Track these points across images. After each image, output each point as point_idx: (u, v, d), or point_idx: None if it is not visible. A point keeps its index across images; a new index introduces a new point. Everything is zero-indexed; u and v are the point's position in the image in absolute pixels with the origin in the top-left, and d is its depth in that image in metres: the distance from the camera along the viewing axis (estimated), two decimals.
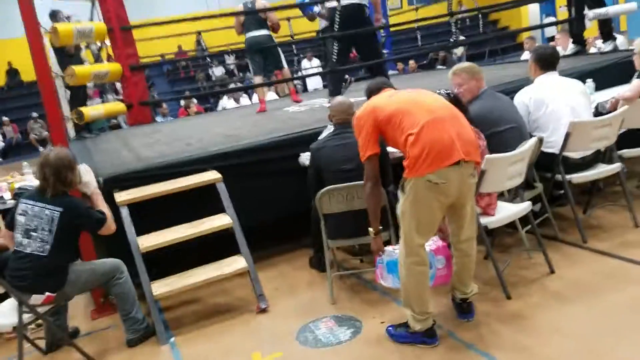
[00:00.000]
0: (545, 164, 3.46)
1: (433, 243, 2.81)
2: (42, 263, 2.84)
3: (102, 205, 3.10)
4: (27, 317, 2.85)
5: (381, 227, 2.86)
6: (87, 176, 3.13)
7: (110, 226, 3.03)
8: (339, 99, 3.56)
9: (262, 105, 6.40)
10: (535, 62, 3.66)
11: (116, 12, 3.51)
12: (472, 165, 2.51)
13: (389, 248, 2.88)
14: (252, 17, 6.11)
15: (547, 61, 3.62)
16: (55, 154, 2.93)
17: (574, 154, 3.51)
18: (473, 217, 2.68)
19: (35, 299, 2.83)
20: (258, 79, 6.39)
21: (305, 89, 11.70)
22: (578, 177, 3.52)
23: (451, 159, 2.40)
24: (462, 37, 13.19)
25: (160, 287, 3.18)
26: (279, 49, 6.36)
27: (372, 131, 2.61)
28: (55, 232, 2.86)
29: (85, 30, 3.36)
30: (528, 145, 3.04)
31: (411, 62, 10.89)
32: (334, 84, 5.43)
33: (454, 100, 2.89)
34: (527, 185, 3.33)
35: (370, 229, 2.81)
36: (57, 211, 2.87)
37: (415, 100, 2.58)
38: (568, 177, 3.48)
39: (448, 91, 3.01)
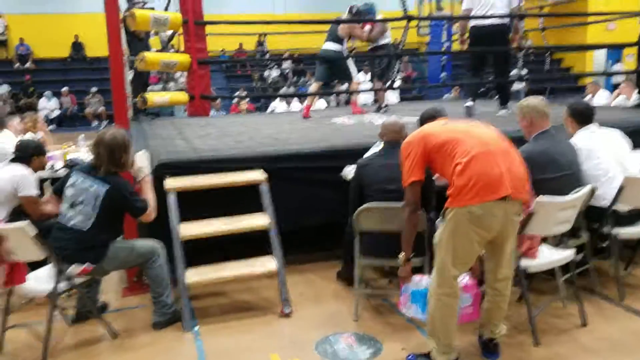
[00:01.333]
0: (591, 215, 3.39)
1: (461, 280, 2.79)
2: (83, 237, 2.94)
3: (149, 193, 3.17)
4: (61, 285, 2.94)
5: (414, 254, 2.83)
6: (143, 162, 3.22)
7: (150, 215, 3.10)
8: (392, 118, 3.58)
9: (306, 111, 6.56)
10: (571, 117, 3.63)
11: (193, 6, 3.63)
12: (519, 204, 2.48)
13: (416, 277, 2.85)
14: (329, 30, 6.35)
15: (582, 115, 3.59)
16: (111, 133, 3.02)
17: (621, 207, 3.43)
18: (512, 257, 2.64)
19: (74, 268, 2.94)
20: (314, 86, 6.58)
21: (347, 102, 11.72)
22: (625, 233, 3.43)
23: (498, 193, 2.37)
24: (523, 71, 13.02)
25: (193, 276, 3.26)
26: (349, 62, 6.45)
27: (420, 158, 2.61)
28: (98, 208, 2.94)
29: (161, 18, 3.49)
30: (581, 193, 2.98)
31: (455, 89, 10.78)
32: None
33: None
34: (573, 233, 3.26)
35: (401, 255, 2.80)
36: (103, 189, 2.95)
37: (468, 131, 2.58)
38: (615, 230, 3.40)
39: None
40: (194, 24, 3.66)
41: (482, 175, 2.39)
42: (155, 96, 3.65)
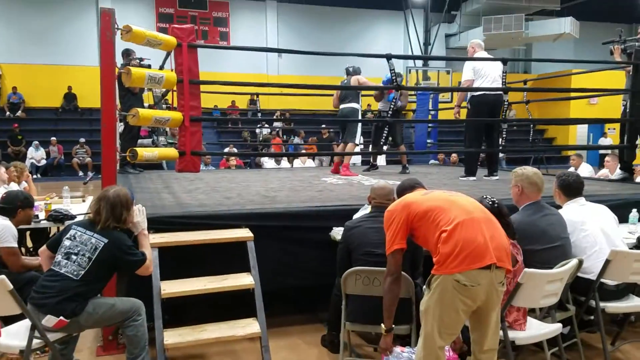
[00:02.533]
0: (578, 288, 3.37)
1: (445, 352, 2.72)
2: (71, 285, 2.87)
3: (146, 247, 3.15)
4: (35, 342, 2.82)
5: (394, 325, 2.77)
6: (140, 217, 3.20)
7: (148, 268, 3.06)
8: (381, 182, 3.61)
9: (344, 169, 6.86)
10: (559, 189, 3.68)
11: (189, 65, 3.69)
12: (504, 273, 2.46)
13: (396, 349, 2.79)
14: (345, 91, 6.74)
15: (571, 188, 3.64)
16: (115, 191, 3.05)
17: (609, 281, 3.42)
18: (498, 327, 2.59)
19: (48, 320, 2.83)
20: (339, 147, 7.02)
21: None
22: (612, 307, 3.41)
23: (483, 261, 2.36)
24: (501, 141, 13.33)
25: (172, 337, 3.15)
26: (358, 125, 6.74)
27: (403, 226, 2.61)
28: (94, 260, 2.90)
29: (157, 77, 3.54)
30: (568, 266, 2.98)
31: (453, 155, 11.07)
32: (470, 163, 6.23)
33: (497, 210, 2.89)
34: (560, 305, 3.24)
35: (382, 325, 2.75)
36: (102, 242, 2.94)
37: (451, 200, 2.59)
38: (602, 304, 3.37)
39: (494, 199, 3.01)
40: (189, 83, 3.71)
41: (467, 243, 2.38)
42: (145, 151, 3.64)
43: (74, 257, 2.91)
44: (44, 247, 3.10)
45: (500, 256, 2.41)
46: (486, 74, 5.77)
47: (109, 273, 3.05)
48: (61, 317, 2.85)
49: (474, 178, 6.06)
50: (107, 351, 3.55)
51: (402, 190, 3.02)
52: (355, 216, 3.73)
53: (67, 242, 2.97)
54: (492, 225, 2.51)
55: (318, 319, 3.96)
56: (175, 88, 3.87)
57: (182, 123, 3.64)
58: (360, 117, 6.86)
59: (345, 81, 6.84)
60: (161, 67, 4.85)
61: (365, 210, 3.75)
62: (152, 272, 3.25)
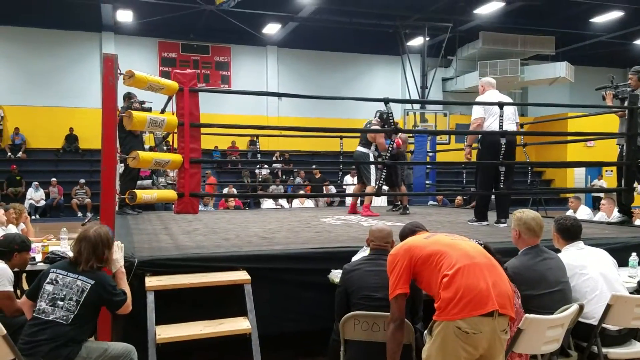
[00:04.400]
0: (580, 333, 3.32)
1: None
2: (63, 331, 2.83)
3: (124, 285, 3.13)
4: None
5: None
6: (117, 254, 3.20)
7: (128, 307, 3.04)
8: (379, 225, 3.60)
9: (354, 208, 7.25)
10: (558, 233, 3.68)
11: (190, 109, 3.75)
12: (507, 320, 2.42)
13: None
14: (362, 136, 7.15)
15: (569, 231, 3.64)
16: (95, 230, 3.04)
17: (610, 327, 3.38)
18: None
19: None
20: (355, 187, 7.47)
21: (342, 203, 11.91)
22: (615, 353, 3.35)
23: (485, 308, 2.33)
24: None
25: None
26: (371, 167, 6.98)
27: (406, 270, 2.59)
28: (82, 303, 2.87)
29: (158, 121, 3.59)
30: (569, 311, 2.94)
31: (458, 198, 11.15)
32: (481, 207, 5.94)
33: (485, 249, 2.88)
34: (562, 351, 3.18)
35: None
36: (89, 283, 2.91)
37: (453, 244, 2.57)
38: (605, 350, 3.31)
39: (480, 241, 3.00)
40: (190, 126, 3.76)
41: (469, 289, 2.35)
42: (144, 194, 3.66)
43: (60, 302, 2.87)
44: (24, 298, 3.07)
45: (503, 303, 2.38)
46: (496, 112, 5.45)
47: (96, 313, 3.02)
48: None
49: (487, 223, 5.73)
50: None
51: (404, 234, 3.03)
52: (354, 258, 3.70)
53: (49, 287, 2.92)
54: (495, 271, 2.49)
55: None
56: (176, 130, 3.92)
57: (182, 165, 3.68)
58: (369, 161, 6.97)
59: (368, 125, 7.11)
60: (162, 111, 4.92)
61: (364, 252, 3.73)
62: (148, 316, 3.22)
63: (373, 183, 6.82)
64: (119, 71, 3.62)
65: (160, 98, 4.98)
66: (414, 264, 2.57)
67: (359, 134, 7.65)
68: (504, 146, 5.33)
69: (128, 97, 6.90)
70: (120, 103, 6.30)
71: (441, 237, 2.70)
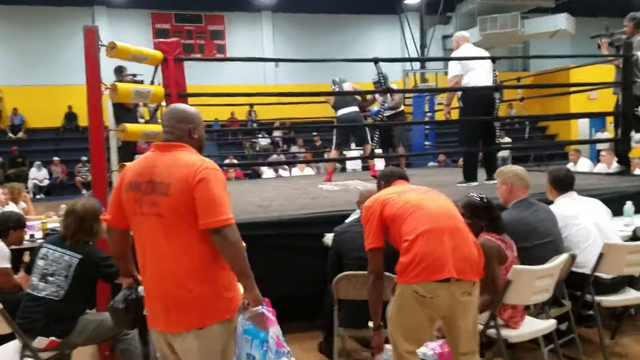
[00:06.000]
0: (574, 282, 3.35)
1: (439, 347, 2.71)
2: (55, 307, 2.86)
3: None
4: None
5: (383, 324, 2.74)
6: None
7: None
8: (368, 186, 3.60)
9: (328, 176, 6.97)
10: (550, 185, 3.68)
11: (176, 79, 3.72)
12: (469, 284, 2.38)
13: (388, 346, 2.74)
14: (343, 97, 6.72)
15: (562, 182, 3.63)
16: (82, 203, 3.04)
17: (604, 275, 3.40)
18: (474, 332, 2.52)
19: (39, 341, 2.82)
20: (334, 153, 7.07)
21: (343, 169, 11.88)
22: (609, 301, 3.39)
23: (440, 274, 2.31)
24: (507, 139, 13.28)
25: None
26: (366, 127, 6.84)
27: (377, 225, 2.57)
28: (71, 278, 2.90)
29: (143, 92, 3.57)
30: (558, 261, 2.96)
31: (441, 156, 10.99)
32: (469, 167, 5.64)
33: (487, 206, 2.87)
34: (555, 301, 3.21)
35: (370, 324, 2.73)
36: (76, 258, 2.93)
37: (419, 205, 2.50)
38: (598, 298, 3.34)
39: (482, 195, 2.99)
40: (177, 96, 3.73)
41: (425, 255, 2.34)
42: None
43: (50, 278, 2.90)
44: (23, 273, 3.12)
45: (462, 268, 2.35)
46: (474, 67, 5.36)
47: (91, 287, 3.04)
48: (52, 338, 2.85)
49: (477, 183, 5.44)
50: None
51: (382, 180, 2.96)
52: (347, 221, 3.72)
53: (40, 262, 2.95)
54: (459, 234, 2.43)
55: (315, 325, 3.94)
56: (164, 102, 3.90)
57: None
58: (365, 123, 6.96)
59: (337, 89, 6.82)
60: (151, 82, 4.88)
61: (356, 214, 3.74)
62: None
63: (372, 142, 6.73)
64: (100, 43, 3.58)
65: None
66: (384, 220, 2.56)
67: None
68: (497, 102, 5.29)
69: (119, 70, 6.83)
70: (112, 77, 6.27)
71: (412, 195, 2.60)
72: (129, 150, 6.78)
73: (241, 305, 2.19)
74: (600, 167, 7.48)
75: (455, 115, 6.21)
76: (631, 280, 3.54)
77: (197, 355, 2.05)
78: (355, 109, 6.76)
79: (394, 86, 7.24)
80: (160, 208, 2.03)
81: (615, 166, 6.27)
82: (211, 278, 2.07)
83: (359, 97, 6.94)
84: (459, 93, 5.69)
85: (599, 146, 11.63)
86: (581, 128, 19.03)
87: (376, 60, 5.04)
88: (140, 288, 2.34)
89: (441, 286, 2.32)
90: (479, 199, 2.94)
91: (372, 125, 6.73)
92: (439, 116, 10.09)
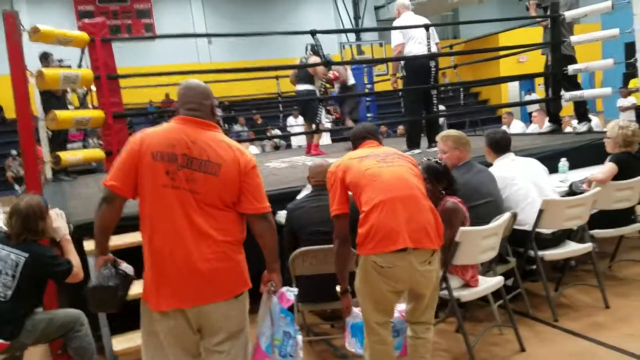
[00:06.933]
0: (516, 240, 3.49)
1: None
2: (2, 309, 2.73)
3: (71, 253, 3.00)
4: None
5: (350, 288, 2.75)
6: (58, 222, 3.05)
7: (77, 275, 2.92)
8: (317, 161, 3.59)
9: (310, 148, 6.96)
10: (489, 147, 3.78)
11: (104, 60, 3.54)
12: (427, 253, 2.40)
13: (355, 309, 2.77)
14: (301, 72, 6.58)
15: (499, 144, 3.73)
16: (26, 202, 2.89)
17: (544, 230, 3.56)
18: (432, 303, 2.57)
19: None
20: (306, 127, 6.97)
21: (289, 146, 11.83)
22: (550, 254, 3.56)
23: (395, 245, 2.33)
24: (442, 107, 13.59)
25: (121, 342, 3.06)
26: (315, 105, 6.58)
27: (341, 190, 2.57)
28: (18, 278, 2.77)
29: (71, 76, 3.38)
30: (502, 220, 3.07)
31: (400, 127, 11.20)
32: (413, 135, 5.67)
33: (446, 170, 2.92)
34: (501, 259, 3.34)
35: (337, 288, 2.75)
36: (23, 257, 2.80)
37: (377, 174, 2.48)
38: (540, 253, 3.51)
39: (438, 160, 3.04)
40: (107, 78, 3.56)
41: (380, 226, 2.36)
42: (68, 155, 3.49)
43: None
44: None
45: (419, 238, 2.36)
46: (414, 36, 5.46)
47: (39, 287, 2.91)
48: (0, 341, 2.72)
49: (419, 151, 5.53)
50: None
51: (353, 139, 2.89)
52: (298, 197, 3.71)
53: None
54: (414, 204, 2.42)
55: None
56: (93, 86, 3.72)
57: (105, 122, 3.50)
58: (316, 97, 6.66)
59: (304, 60, 6.65)
60: (79, 66, 4.64)
61: (307, 190, 3.73)
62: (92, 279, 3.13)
63: (317, 120, 6.65)
64: (22, 28, 3.35)
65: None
66: (346, 186, 2.56)
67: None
68: (433, 70, 5.36)
69: (45, 57, 6.44)
70: (38, 65, 5.91)
71: (370, 162, 2.56)
72: (59, 140, 6.48)
73: (271, 286, 2.35)
74: (533, 128, 7.79)
75: (401, 85, 6.25)
76: (570, 233, 3.72)
77: (234, 320, 2.15)
78: (304, 87, 6.61)
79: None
80: (198, 185, 2.05)
81: (547, 125, 6.56)
82: (242, 251, 2.20)
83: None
84: (402, 62, 5.75)
85: (530, 108, 12.10)
86: (511, 91, 19.74)
87: (314, 32, 4.98)
88: (125, 265, 2.28)
89: (397, 256, 2.34)
90: (437, 164, 2.98)
91: (314, 99, 6.60)
92: (379, 88, 10.20)
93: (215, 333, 2.14)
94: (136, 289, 2.54)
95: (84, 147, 8.28)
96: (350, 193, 2.60)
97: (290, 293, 2.45)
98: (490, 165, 3.74)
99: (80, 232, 3.35)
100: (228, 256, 2.12)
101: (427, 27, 5.41)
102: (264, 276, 2.39)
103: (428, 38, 5.47)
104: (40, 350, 3.56)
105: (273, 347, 2.37)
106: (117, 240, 3.11)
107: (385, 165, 2.54)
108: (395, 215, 2.37)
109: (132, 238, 3.12)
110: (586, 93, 6.02)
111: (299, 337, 2.46)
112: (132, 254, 2.69)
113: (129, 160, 2.10)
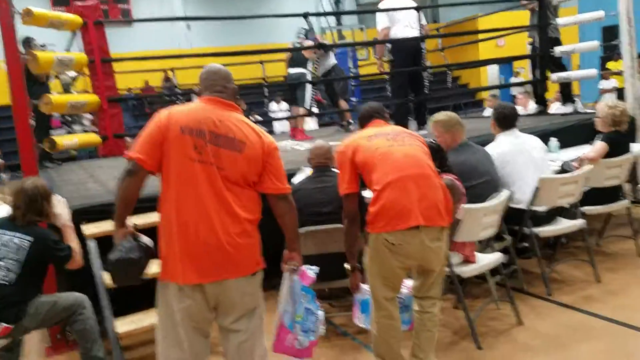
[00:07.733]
0: (512, 217, 3.56)
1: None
2: (5, 292, 2.71)
3: (72, 239, 2.99)
4: None
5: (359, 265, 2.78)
6: (60, 208, 3.03)
7: (77, 261, 2.92)
8: (318, 142, 3.60)
9: (295, 132, 6.97)
10: (495, 120, 3.81)
11: (98, 43, 3.49)
12: (437, 230, 2.45)
13: (364, 286, 2.81)
14: (295, 56, 6.61)
15: (506, 119, 3.77)
16: (32, 182, 2.86)
17: (539, 208, 3.64)
18: (439, 280, 2.62)
19: None
20: (300, 111, 6.91)
21: (271, 132, 11.77)
22: (544, 231, 3.65)
23: (407, 222, 2.37)
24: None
25: (124, 325, 3.06)
26: (307, 88, 6.64)
27: (351, 170, 2.59)
28: (22, 261, 2.74)
29: (66, 60, 3.32)
30: (502, 197, 3.14)
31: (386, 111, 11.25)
32: (400, 118, 5.55)
33: (440, 148, 2.95)
34: (497, 237, 3.41)
35: (347, 265, 2.79)
36: (27, 240, 2.77)
37: (388, 153, 2.51)
38: (535, 230, 3.59)
39: (432, 141, 3.07)
40: (101, 62, 3.51)
41: (393, 204, 2.39)
42: (64, 139, 3.44)
43: (1, 262, 2.73)
44: None
45: (430, 215, 2.40)
46: (400, 19, 5.42)
47: (42, 271, 2.90)
48: (4, 325, 2.70)
49: None
50: (57, 351, 3.41)
51: (361, 119, 2.90)
52: (294, 180, 3.72)
53: None
54: (426, 182, 2.46)
55: (272, 285, 3.95)
56: (87, 71, 3.66)
57: (100, 106, 3.46)
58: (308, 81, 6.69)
59: (297, 45, 6.68)
60: (67, 50, 4.54)
61: (303, 173, 3.75)
62: (93, 263, 3.12)
63: (307, 105, 6.68)
64: (14, 10, 3.27)
65: (62, 40, 4.59)
66: (355, 165, 2.58)
67: (282, 57, 7.39)
68: (424, 51, 5.40)
69: (27, 42, 6.27)
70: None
71: (381, 141, 2.59)
72: (43, 127, 6.34)
73: (293, 265, 2.44)
74: (518, 110, 7.88)
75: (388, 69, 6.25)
76: (561, 210, 3.81)
77: (250, 298, 2.20)
78: (297, 70, 6.65)
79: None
80: (223, 161, 2.09)
81: (533, 107, 6.66)
82: (258, 231, 2.23)
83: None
84: (389, 45, 5.74)
85: (513, 91, 12.23)
86: (490, 75, 19.92)
87: (306, 15, 4.96)
88: (146, 238, 2.29)
89: (410, 233, 2.38)
90: (430, 142, 3.01)
91: (307, 82, 6.56)
92: (363, 72, 10.20)
93: (231, 310, 2.16)
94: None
95: (69, 133, 8.12)
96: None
97: (311, 271, 2.49)
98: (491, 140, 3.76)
99: (77, 216, 3.32)
100: (249, 233, 2.15)
101: (417, 9, 5.41)
102: (285, 255, 2.43)
103: (420, 21, 5.50)
104: (37, 337, 3.53)
105: (295, 324, 2.45)
106: (141, 220, 3.11)
107: (396, 144, 2.57)
108: (407, 194, 2.40)
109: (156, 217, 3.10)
110: (573, 74, 6.13)
111: (320, 313, 2.53)
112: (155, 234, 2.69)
113: (156, 134, 2.10)
